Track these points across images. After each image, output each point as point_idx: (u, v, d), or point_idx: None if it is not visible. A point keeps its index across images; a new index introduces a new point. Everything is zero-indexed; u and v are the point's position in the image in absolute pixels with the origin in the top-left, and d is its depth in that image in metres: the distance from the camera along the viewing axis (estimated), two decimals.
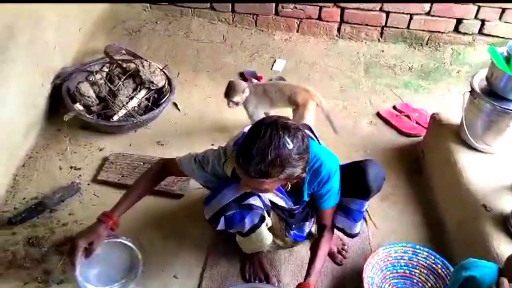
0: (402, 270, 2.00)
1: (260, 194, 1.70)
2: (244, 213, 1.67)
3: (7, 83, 2.24)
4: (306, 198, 1.77)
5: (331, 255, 2.09)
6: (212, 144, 2.63)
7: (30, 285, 1.94)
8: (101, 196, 2.33)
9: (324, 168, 1.66)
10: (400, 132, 2.78)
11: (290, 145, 1.42)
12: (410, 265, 1.99)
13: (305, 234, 1.93)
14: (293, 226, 1.86)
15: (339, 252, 2.10)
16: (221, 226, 1.69)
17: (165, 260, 2.07)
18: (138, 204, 2.27)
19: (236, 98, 2.47)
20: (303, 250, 2.10)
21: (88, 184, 2.39)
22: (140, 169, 2.43)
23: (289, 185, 1.67)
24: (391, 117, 2.86)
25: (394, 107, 2.95)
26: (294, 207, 1.80)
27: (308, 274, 1.74)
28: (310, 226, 1.93)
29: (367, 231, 2.19)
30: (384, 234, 2.21)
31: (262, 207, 1.71)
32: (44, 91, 2.66)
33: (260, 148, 1.41)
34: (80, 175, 2.43)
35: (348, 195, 1.81)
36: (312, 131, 1.79)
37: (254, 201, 1.68)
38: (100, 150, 2.59)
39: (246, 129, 1.67)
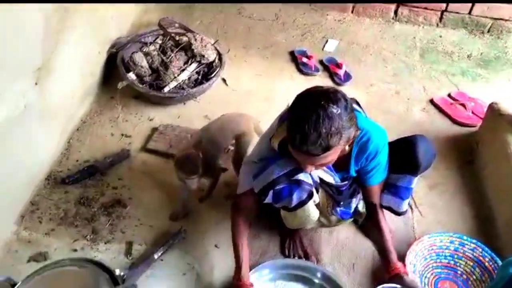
0: (446, 260, 1.95)
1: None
2: (292, 188, 1.65)
3: (67, 48, 2.31)
4: (353, 173, 1.74)
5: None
6: (259, 122, 2.64)
7: (79, 242, 2.03)
8: (149, 164, 2.40)
9: (371, 143, 1.63)
10: (454, 121, 2.67)
11: (338, 110, 1.41)
12: (455, 256, 1.94)
13: (351, 211, 1.91)
14: (341, 203, 1.84)
15: (366, 227, 2.07)
16: (269, 199, 1.69)
17: (206, 229, 2.11)
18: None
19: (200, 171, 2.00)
20: (343, 232, 2.08)
21: (137, 152, 2.46)
22: (185, 141, 2.47)
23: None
24: (445, 105, 2.75)
25: (449, 95, 2.83)
26: (342, 183, 1.78)
27: (389, 250, 1.79)
28: (357, 203, 1.91)
29: (413, 219, 2.14)
30: (430, 223, 2.16)
31: (311, 183, 1.69)
32: (100, 59, 2.73)
33: (311, 125, 1.40)
34: (130, 143, 2.50)
35: (395, 171, 1.77)
36: (358, 104, 1.75)
37: (304, 177, 1.66)
38: (150, 120, 2.65)
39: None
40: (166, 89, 2.66)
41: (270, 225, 2.08)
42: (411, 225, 2.11)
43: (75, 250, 2.00)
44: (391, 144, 1.73)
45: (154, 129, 2.56)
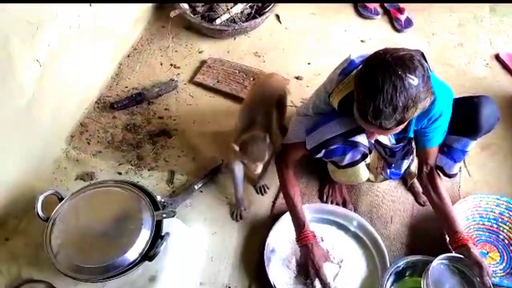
0: (489, 223, 1.89)
1: None
2: (347, 148, 1.58)
3: None
4: (411, 135, 1.65)
5: (415, 194, 2.01)
6: (309, 63, 2.57)
7: (124, 166, 2.10)
8: (195, 97, 2.40)
9: (436, 104, 1.50)
10: None
11: (415, 81, 1.28)
12: (500, 220, 1.87)
13: (402, 172, 1.82)
14: (392, 165, 1.76)
15: (423, 192, 2.01)
16: (319, 155, 1.62)
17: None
18: (229, 110, 2.33)
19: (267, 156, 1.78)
20: (384, 183, 2.04)
21: (185, 84, 2.46)
22: (235, 77, 2.45)
23: None
24: (511, 62, 2.56)
25: None
26: (396, 145, 1.69)
27: (454, 219, 1.67)
28: (408, 164, 1.82)
29: (459, 177, 2.06)
30: (477, 184, 2.08)
31: (367, 145, 1.60)
32: None
33: (386, 98, 1.27)
34: (178, 74, 2.50)
35: (453, 133, 1.67)
36: (424, 58, 1.61)
37: (360, 138, 1.56)
38: (200, 52, 2.62)
39: (353, 56, 1.55)
40: (218, 21, 2.60)
41: (310, 169, 2.07)
42: (457, 184, 2.04)
43: (120, 173, 2.07)
44: (453, 102, 1.60)
45: (203, 62, 2.54)
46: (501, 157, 2.19)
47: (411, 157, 1.79)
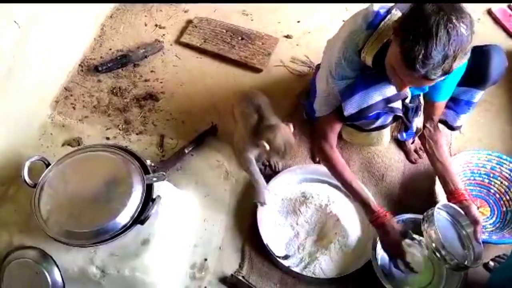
0: (480, 178, 1.90)
1: None
2: (381, 113, 1.53)
3: None
4: (426, 88, 1.58)
5: (406, 152, 2.01)
6: (298, 21, 2.49)
7: (112, 131, 2.06)
8: (182, 58, 2.34)
9: None
10: (510, 34, 2.46)
11: (467, 30, 1.22)
12: (491, 175, 1.88)
13: (414, 131, 1.78)
14: (408, 129, 1.70)
15: (415, 150, 2.01)
16: (349, 120, 1.56)
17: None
18: (217, 70, 2.28)
19: None
20: None
21: (171, 45, 2.39)
22: (222, 36, 2.37)
23: None
24: (504, 17, 2.52)
25: (510, 7, 2.57)
26: (411, 104, 1.64)
27: (452, 174, 1.65)
28: (418, 121, 1.77)
29: (450, 135, 2.05)
30: (468, 141, 2.08)
31: (401, 108, 1.55)
32: None
33: (439, 46, 1.20)
34: (163, 34, 2.42)
35: (460, 83, 1.62)
36: None
37: (398, 103, 1.51)
38: (185, 12, 2.53)
39: (376, 8, 1.46)
40: None
41: (300, 128, 2.04)
42: (448, 141, 2.03)
43: (108, 138, 2.03)
44: None
45: (189, 22, 2.46)
46: (492, 114, 2.18)
47: (419, 113, 1.75)
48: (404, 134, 1.77)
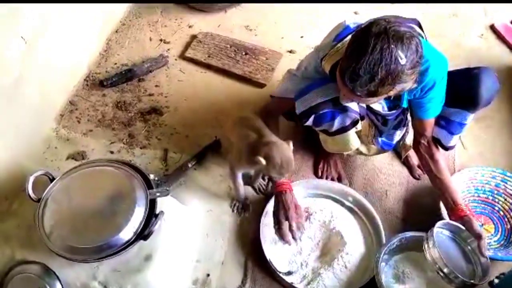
0: (485, 195, 1.89)
1: None
2: (336, 113, 1.55)
3: None
4: (404, 104, 1.62)
5: (410, 167, 2.01)
6: (301, 37, 2.52)
7: (116, 145, 2.07)
8: (186, 73, 2.35)
9: (430, 73, 1.47)
10: None
11: (403, 60, 1.26)
12: (495, 192, 1.88)
13: (394, 143, 1.81)
14: (383, 133, 1.73)
15: (419, 166, 2.00)
16: (309, 122, 1.60)
17: None
18: (221, 85, 2.29)
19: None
20: (378, 157, 2.02)
21: (176, 59, 2.40)
22: (226, 51, 2.39)
23: None
24: (507, 33, 2.53)
25: None
26: (389, 112, 1.66)
27: (453, 190, 1.67)
28: (401, 136, 1.81)
29: (454, 150, 2.03)
30: (472, 156, 2.07)
31: (357, 111, 1.58)
32: None
33: (369, 65, 1.26)
34: (168, 49, 2.44)
35: (452, 105, 1.63)
36: (420, 26, 1.57)
37: (351, 104, 1.54)
38: (190, 27, 2.55)
39: (348, 22, 1.54)
40: None
41: (304, 145, 2.04)
42: (452, 157, 2.03)
43: (112, 152, 2.04)
44: (450, 75, 1.57)
45: (193, 37, 2.48)
46: (495, 130, 2.18)
47: (404, 128, 1.78)
48: (380, 140, 1.76)
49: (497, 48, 2.51)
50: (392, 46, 1.25)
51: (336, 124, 1.58)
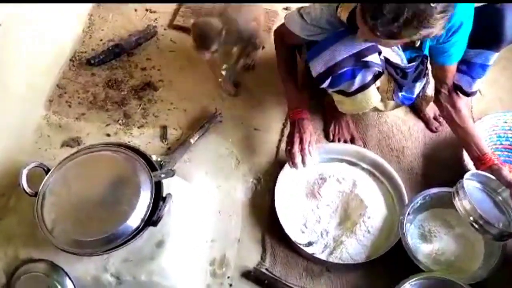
0: (508, 142, 1.79)
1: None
2: (356, 70, 1.41)
3: None
4: (426, 52, 1.48)
5: (426, 121, 1.89)
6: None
7: (112, 127, 1.94)
8: (178, 42, 2.20)
9: (457, 12, 1.31)
10: None
11: (435, 6, 1.13)
12: None
13: (414, 96, 1.67)
14: (403, 87, 1.59)
15: (435, 118, 1.89)
16: (325, 85, 1.46)
17: (243, 113, 1.98)
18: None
19: (214, 47, 1.76)
20: (392, 113, 1.90)
21: (165, 29, 2.24)
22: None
23: None
24: None
25: None
26: (409, 64, 1.53)
27: (478, 138, 1.58)
28: (421, 87, 1.67)
29: (470, 98, 1.91)
30: (490, 102, 1.97)
31: (379, 63, 1.43)
32: None
33: (393, 4, 1.13)
34: (156, 19, 2.27)
35: (473, 46, 1.50)
36: None
37: (373, 57, 1.40)
38: None
39: None
40: None
41: (312, 109, 1.90)
42: (469, 104, 1.91)
43: (108, 135, 1.91)
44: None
45: (181, 4, 2.31)
46: (511, 71, 2.05)
47: (424, 79, 1.65)
48: (400, 95, 1.63)
49: None
50: None
51: (357, 82, 1.44)
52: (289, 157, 1.61)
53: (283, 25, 1.61)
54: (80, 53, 2.15)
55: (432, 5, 1.13)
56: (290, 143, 1.62)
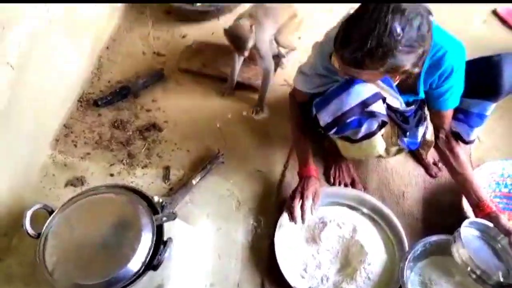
0: (507, 189, 1.79)
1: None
2: (362, 119, 1.44)
3: None
4: (422, 95, 1.52)
5: (426, 166, 1.91)
6: (299, 38, 2.42)
7: (116, 166, 1.97)
8: (183, 85, 2.27)
9: (447, 59, 1.38)
10: None
11: (399, 34, 1.18)
12: None
13: (418, 141, 1.70)
14: (407, 132, 1.62)
15: (434, 163, 1.91)
16: (332, 132, 1.48)
17: (245, 154, 2.01)
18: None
19: (250, 43, 1.97)
20: (392, 158, 1.91)
21: (171, 72, 2.31)
22: (221, 59, 2.30)
23: (398, 78, 1.41)
24: (510, 16, 2.44)
25: None
26: (407, 108, 1.56)
27: (477, 185, 1.58)
28: (422, 132, 1.70)
29: (469, 146, 1.94)
30: (487, 149, 1.98)
31: (385, 113, 1.46)
32: None
33: (361, 32, 1.19)
34: (163, 62, 2.35)
35: (470, 96, 1.54)
36: (430, 12, 1.47)
37: (377, 105, 1.42)
38: (183, 37, 2.47)
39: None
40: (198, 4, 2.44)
41: (313, 150, 1.94)
42: (468, 151, 1.94)
43: (112, 175, 1.94)
44: (468, 64, 1.48)
45: (188, 47, 2.39)
46: (508, 120, 2.08)
47: (425, 123, 1.67)
48: (405, 140, 1.65)
49: (502, 34, 2.43)
50: (389, 16, 1.18)
51: (363, 130, 1.47)
52: (289, 212, 1.63)
53: (295, 89, 1.69)
54: (88, 94, 2.22)
55: (396, 36, 1.18)
56: (292, 198, 1.64)
